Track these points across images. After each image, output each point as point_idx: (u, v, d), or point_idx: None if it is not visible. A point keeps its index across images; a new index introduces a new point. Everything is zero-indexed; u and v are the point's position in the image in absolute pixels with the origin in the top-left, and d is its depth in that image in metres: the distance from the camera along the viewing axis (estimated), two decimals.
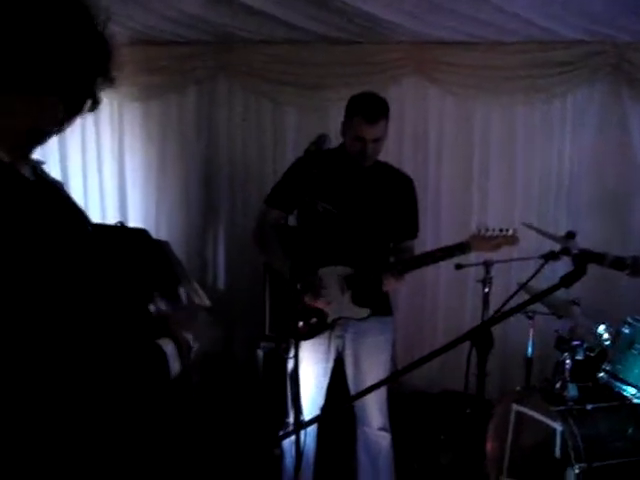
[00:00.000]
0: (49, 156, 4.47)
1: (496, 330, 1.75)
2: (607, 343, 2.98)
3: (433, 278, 4.34)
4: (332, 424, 3.52)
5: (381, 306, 3.01)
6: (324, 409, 3.05)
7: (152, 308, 1.40)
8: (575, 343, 3.01)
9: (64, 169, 4.72)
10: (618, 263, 2.76)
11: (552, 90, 4.17)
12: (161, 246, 3.14)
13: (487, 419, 3.25)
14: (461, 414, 3.63)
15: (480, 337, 1.73)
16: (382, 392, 2.99)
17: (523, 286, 2.75)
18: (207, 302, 2.94)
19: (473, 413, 3.45)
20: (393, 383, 3.58)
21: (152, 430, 1.35)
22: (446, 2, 3.42)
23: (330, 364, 3.04)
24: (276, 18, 3.80)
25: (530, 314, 3.34)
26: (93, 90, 1.26)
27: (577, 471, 2.73)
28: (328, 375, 3.05)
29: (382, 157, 3.04)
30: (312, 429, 2.99)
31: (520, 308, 1.65)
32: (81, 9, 1.21)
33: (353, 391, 3.05)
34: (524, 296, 2.08)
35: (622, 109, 4.13)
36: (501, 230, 2.96)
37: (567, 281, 1.58)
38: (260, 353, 3.95)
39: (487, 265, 3.33)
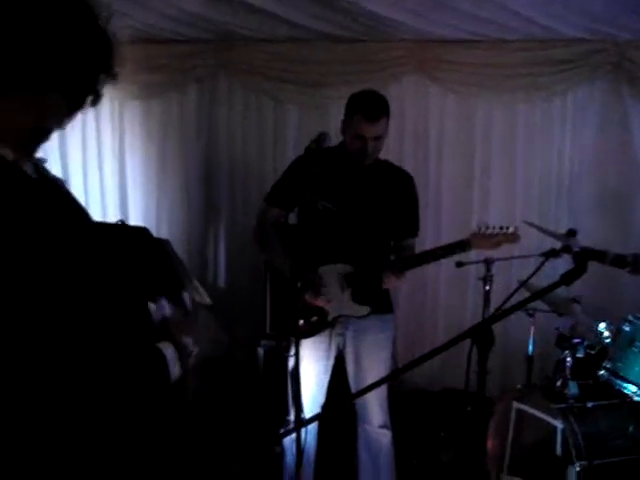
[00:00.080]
0: (50, 154, 4.47)
1: (497, 328, 1.75)
2: (608, 341, 2.99)
3: (434, 276, 4.33)
4: (333, 422, 3.52)
5: (381, 304, 3.01)
6: (325, 407, 3.05)
7: (156, 313, 1.39)
8: (576, 341, 3.00)
9: (65, 167, 4.71)
10: (619, 261, 2.76)
11: (553, 88, 4.17)
12: (162, 244, 3.13)
13: (488, 417, 3.25)
14: (462, 412, 3.63)
15: (481, 335, 1.73)
16: (383, 390, 2.99)
17: (524, 283, 2.75)
18: (208, 300, 2.94)
19: (474, 411, 3.44)
20: (394, 381, 3.57)
21: (151, 432, 1.34)
22: (448, 0, 3.42)
23: (331, 362, 3.04)
24: (277, 16, 3.80)
25: (531, 312, 3.34)
26: (95, 86, 1.26)
27: (578, 469, 2.73)
28: (329, 373, 3.05)
29: (383, 155, 3.04)
30: (313, 427, 3.00)
31: (521, 305, 1.64)
32: (83, 6, 1.21)
33: (354, 389, 3.05)
34: (525, 294, 2.08)
35: (623, 107, 4.12)
36: (501, 228, 2.95)
37: (568, 279, 1.57)
38: (261, 351, 3.95)
39: (488, 263, 3.33)
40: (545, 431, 2.93)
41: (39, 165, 1.31)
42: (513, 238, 2.97)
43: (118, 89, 4.35)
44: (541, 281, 2.85)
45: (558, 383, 3.02)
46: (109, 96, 4.69)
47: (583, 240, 2.98)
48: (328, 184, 2.92)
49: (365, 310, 2.93)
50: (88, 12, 1.22)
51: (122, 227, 3.42)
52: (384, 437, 3.05)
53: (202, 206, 4.76)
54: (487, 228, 2.95)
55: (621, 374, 2.95)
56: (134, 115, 4.71)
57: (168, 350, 1.29)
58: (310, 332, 2.95)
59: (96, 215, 4.50)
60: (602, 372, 3.00)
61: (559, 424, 2.85)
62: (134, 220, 4.61)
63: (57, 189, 1.33)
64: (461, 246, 2.93)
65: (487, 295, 3.34)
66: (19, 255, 1.08)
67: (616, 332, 2.98)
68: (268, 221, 3.03)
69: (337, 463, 3.49)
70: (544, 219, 4.03)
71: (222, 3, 3.63)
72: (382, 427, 3.04)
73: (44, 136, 1.27)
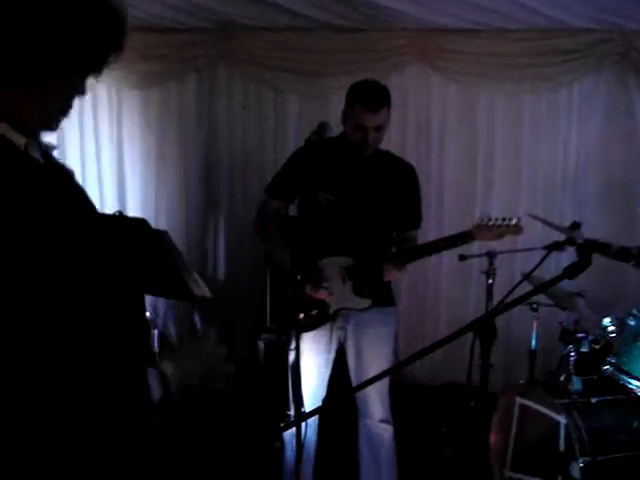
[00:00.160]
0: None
1: (500, 323, 1.72)
2: (612, 335, 2.96)
3: (436, 269, 4.31)
4: (333, 416, 3.50)
5: (383, 297, 2.98)
6: (325, 401, 3.03)
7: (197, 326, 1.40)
8: (580, 335, 2.98)
9: (62, 157, 4.67)
10: (623, 254, 2.73)
11: (558, 79, 4.14)
12: (160, 236, 3.10)
13: (490, 412, 3.23)
14: (464, 407, 3.60)
15: (483, 328, 1.69)
16: (384, 384, 2.96)
17: (527, 276, 2.72)
18: (207, 293, 2.91)
19: (476, 406, 3.42)
20: (395, 375, 3.55)
21: (149, 429, 1.31)
22: None
23: (331, 355, 3.01)
24: (278, 5, 3.77)
25: (534, 306, 3.31)
26: (103, 66, 1.25)
27: (581, 464, 2.71)
28: (329, 367, 3.02)
29: (384, 146, 3.01)
30: (313, 421, 2.97)
31: (524, 299, 1.61)
32: None
33: (355, 383, 3.03)
34: (528, 287, 2.04)
35: (629, 98, 4.10)
36: (504, 219, 2.92)
37: (572, 272, 1.54)
38: (261, 345, 3.93)
39: (491, 256, 3.30)
40: (548, 426, 2.91)
41: (47, 151, 1.30)
42: (516, 230, 2.93)
43: (117, 78, 4.31)
44: (545, 274, 2.83)
45: (562, 378, 3.00)
46: (107, 85, 4.67)
47: (588, 233, 2.96)
48: (329, 175, 2.89)
49: (366, 303, 2.90)
50: None
51: (120, 218, 3.38)
52: (385, 432, 3.02)
53: (201, 197, 4.72)
54: (490, 220, 2.92)
55: (625, 369, 2.91)
56: (133, 104, 4.66)
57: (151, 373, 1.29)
58: (311, 325, 2.92)
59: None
60: (606, 367, 2.96)
61: (562, 419, 2.83)
62: (132, 210, 4.57)
63: (64, 176, 1.32)
64: (464, 238, 2.89)
65: (490, 288, 3.32)
66: (23, 242, 1.07)
67: (620, 327, 2.94)
68: (268, 212, 3.00)
69: (338, 458, 3.47)
70: (549, 211, 4.00)
71: None
72: (383, 422, 3.01)
73: (57, 121, 1.25)
